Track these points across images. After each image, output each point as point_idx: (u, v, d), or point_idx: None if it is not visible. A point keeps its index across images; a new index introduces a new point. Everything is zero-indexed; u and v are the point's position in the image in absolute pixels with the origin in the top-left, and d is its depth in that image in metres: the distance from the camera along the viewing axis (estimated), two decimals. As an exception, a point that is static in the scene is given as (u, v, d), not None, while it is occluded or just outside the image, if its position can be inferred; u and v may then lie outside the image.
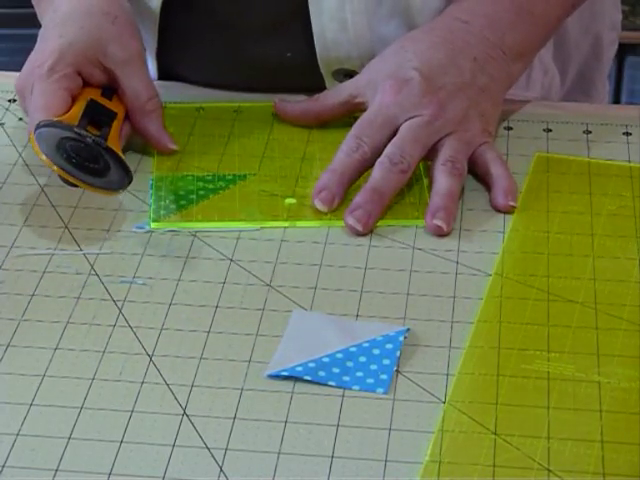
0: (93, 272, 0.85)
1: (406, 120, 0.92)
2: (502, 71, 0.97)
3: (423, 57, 0.95)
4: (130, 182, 0.89)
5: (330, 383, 0.76)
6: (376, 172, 0.90)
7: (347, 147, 0.91)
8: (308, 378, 0.76)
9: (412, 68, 0.94)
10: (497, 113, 0.97)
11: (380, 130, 0.92)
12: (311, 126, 0.99)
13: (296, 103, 1.01)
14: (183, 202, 0.92)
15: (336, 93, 0.99)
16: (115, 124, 0.94)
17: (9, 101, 1.03)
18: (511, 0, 0.99)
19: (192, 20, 1.09)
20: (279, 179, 0.94)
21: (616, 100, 2.09)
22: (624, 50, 2.07)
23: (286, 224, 0.90)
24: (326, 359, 0.77)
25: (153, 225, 0.89)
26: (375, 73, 0.96)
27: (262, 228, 0.89)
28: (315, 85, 1.05)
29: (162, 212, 0.91)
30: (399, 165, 0.89)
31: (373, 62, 0.98)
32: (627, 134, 0.99)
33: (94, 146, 0.88)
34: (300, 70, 1.06)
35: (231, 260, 0.86)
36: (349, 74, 1.04)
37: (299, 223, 0.90)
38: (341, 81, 1.05)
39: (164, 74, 1.12)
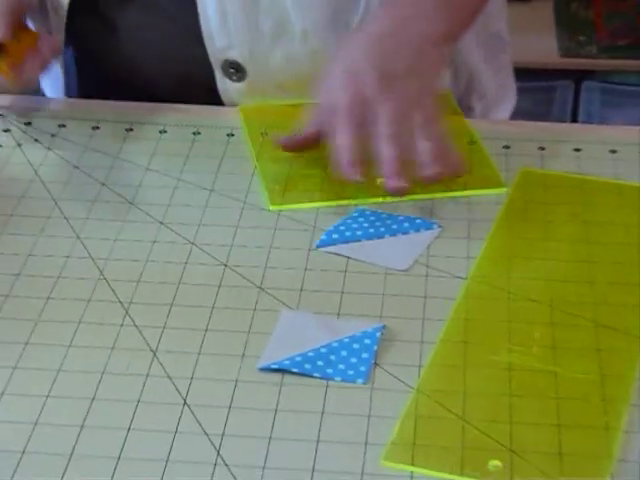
0: (102, 277, 0.85)
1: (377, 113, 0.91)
2: (435, 54, 0.96)
3: (370, 56, 0.93)
4: None
5: (315, 375, 0.76)
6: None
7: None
8: (295, 370, 0.76)
9: (365, 65, 0.92)
10: (437, 90, 0.96)
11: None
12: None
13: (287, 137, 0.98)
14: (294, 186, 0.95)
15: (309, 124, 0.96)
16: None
17: (26, 124, 1.03)
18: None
19: (96, 26, 1.10)
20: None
21: (574, 120, 2.09)
22: (581, 76, 2.08)
23: (380, 199, 0.92)
24: (311, 353, 0.77)
25: (272, 207, 0.92)
26: (329, 94, 0.94)
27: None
28: (207, 82, 1.06)
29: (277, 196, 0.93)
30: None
31: (325, 82, 0.95)
32: (613, 152, 0.99)
33: None
34: (193, 64, 1.07)
35: (225, 265, 0.86)
36: (236, 66, 1.05)
37: (389, 198, 0.92)
38: (231, 76, 1.06)
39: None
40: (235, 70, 1.06)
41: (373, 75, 0.91)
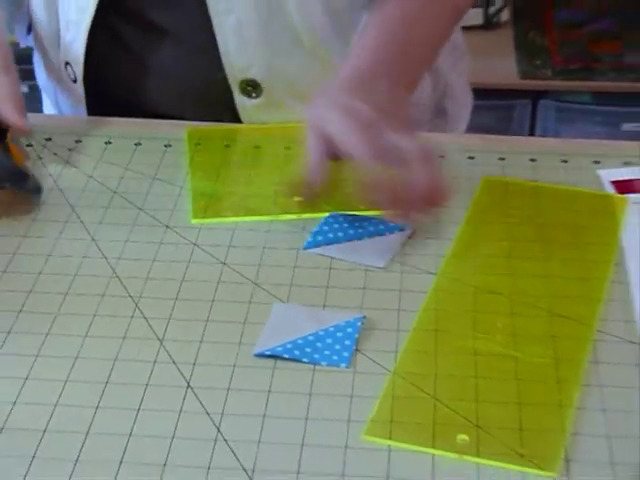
0: (114, 274, 0.85)
1: None
2: (399, 100, 0.93)
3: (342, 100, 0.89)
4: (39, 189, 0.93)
5: (304, 360, 0.76)
6: None
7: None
8: (286, 356, 0.76)
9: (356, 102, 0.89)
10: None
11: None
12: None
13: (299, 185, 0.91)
14: (216, 202, 0.93)
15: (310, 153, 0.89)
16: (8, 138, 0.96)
17: (46, 140, 1.03)
18: (391, 47, 0.96)
19: (117, 58, 1.08)
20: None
21: (531, 134, 2.09)
22: (538, 95, 2.08)
23: (294, 216, 0.91)
24: (300, 341, 0.77)
25: (193, 221, 0.91)
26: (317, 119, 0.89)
27: (276, 220, 0.91)
28: (225, 101, 1.05)
29: (199, 211, 0.92)
30: None
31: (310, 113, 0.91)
32: (564, 161, 0.99)
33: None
34: (212, 87, 1.05)
35: (224, 263, 0.86)
36: (253, 84, 1.04)
37: (304, 215, 0.91)
38: (249, 94, 1.05)
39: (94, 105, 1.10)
40: (252, 87, 1.04)
41: (366, 107, 0.87)
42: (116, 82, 1.09)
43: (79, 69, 1.06)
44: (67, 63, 1.07)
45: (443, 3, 1.02)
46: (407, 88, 0.97)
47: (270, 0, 1.00)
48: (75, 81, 1.07)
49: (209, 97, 1.06)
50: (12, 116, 0.95)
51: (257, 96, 1.04)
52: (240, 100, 1.05)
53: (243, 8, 1.00)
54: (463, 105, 1.21)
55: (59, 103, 1.14)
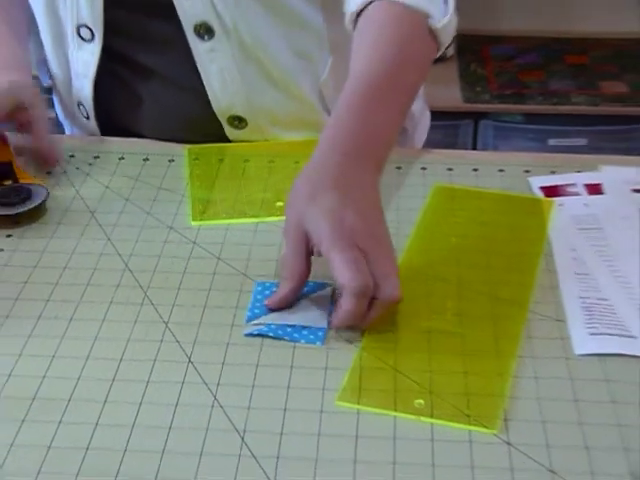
0: (127, 268, 0.84)
1: None
2: (372, 181, 0.79)
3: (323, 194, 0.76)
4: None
5: (285, 338, 0.75)
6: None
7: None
8: (272, 335, 0.75)
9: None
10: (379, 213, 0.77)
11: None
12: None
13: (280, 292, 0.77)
14: (212, 207, 0.92)
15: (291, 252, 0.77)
16: (16, 169, 0.94)
17: (70, 156, 1.02)
18: (362, 126, 0.82)
19: (120, 96, 1.06)
20: (273, 191, 0.94)
21: (474, 148, 2.09)
22: (479, 116, 2.08)
23: (277, 218, 0.89)
24: (283, 323, 0.77)
25: (193, 223, 0.89)
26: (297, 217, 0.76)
27: (262, 222, 0.89)
28: (216, 131, 1.04)
29: (198, 215, 0.91)
30: None
31: (289, 207, 0.78)
32: (501, 170, 0.98)
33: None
34: (204, 121, 1.04)
35: (218, 258, 0.85)
36: (238, 118, 1.03)
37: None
38: (236, 126, 1.03)
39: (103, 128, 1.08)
40: (238, 121, 1.03)
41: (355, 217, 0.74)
42: (121, 117, 1.08)
43: (90, 108, 1.06)
44: (79, 103, 1.06)
45: (416, 62, 0.91)
46: (377, 163, 0.81)
47: (246, 50, 0.99)
48: (88, 118, 1.07)
49: (201, 128, 1.05)
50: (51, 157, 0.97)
51: (242, 127, 1.04)
52: (228, 130, 1.04)
53: (223, 58, 0.99)
54: (421, 125, 1.20)
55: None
